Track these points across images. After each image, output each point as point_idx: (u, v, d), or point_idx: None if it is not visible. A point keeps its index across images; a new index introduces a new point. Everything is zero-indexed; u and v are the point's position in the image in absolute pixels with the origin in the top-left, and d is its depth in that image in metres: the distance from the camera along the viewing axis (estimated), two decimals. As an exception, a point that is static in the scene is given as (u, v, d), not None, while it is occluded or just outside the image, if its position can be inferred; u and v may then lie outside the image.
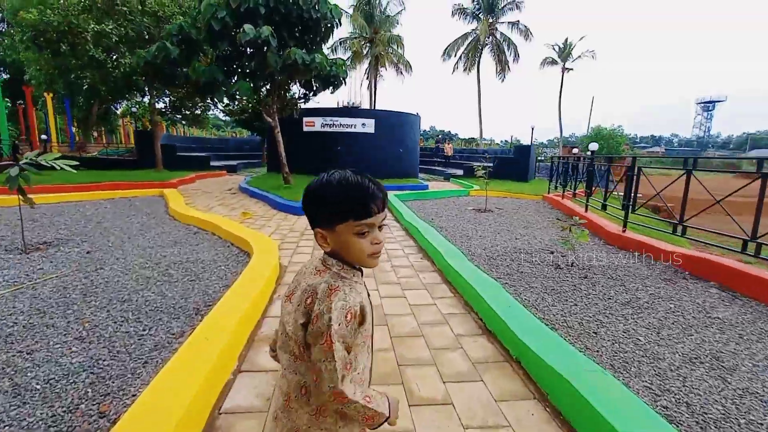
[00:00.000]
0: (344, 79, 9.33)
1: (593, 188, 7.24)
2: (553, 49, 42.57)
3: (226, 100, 9.64)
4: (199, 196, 9.05)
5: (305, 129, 13.69)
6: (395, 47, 32.58)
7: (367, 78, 34.74)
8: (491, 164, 8.58)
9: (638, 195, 5.58)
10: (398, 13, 32.15)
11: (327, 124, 13.53)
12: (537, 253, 4.92)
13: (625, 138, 43.36)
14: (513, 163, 15.01)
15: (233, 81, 8.20)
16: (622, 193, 6.11)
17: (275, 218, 6.78)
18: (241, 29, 7.13)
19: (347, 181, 0.85)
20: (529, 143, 16.77)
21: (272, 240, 4.52)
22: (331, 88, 9.48)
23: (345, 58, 33.33)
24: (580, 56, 41.55)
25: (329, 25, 8.37)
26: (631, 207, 5.25)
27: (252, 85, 8.29)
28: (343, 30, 35.27)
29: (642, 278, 4.08)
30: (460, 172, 17.66)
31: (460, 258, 4.01)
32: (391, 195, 9.10)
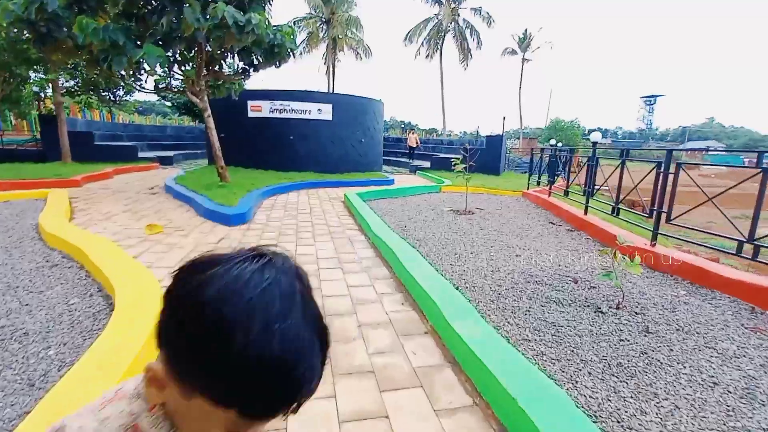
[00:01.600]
0: (292, 51, 7.52)
1: (593, 186, 6.06)
2: (513, 39, 42.42)
3: (153, 77, 7.49)
4: (103, 200, 6.98)
5: (251, 114, 11.69)
6: (354, 30, 30.59)
7: (325, 63, 32.55)
8: (472, 156, 7.21)
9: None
10: (357, -8, 30.11)
11: (277, 109, 11.61)
12: (556, 283, 3.57)
13: (582, 130, 44.33)
14: (484, 155, 13.84)
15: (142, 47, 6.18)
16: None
17: (197, 231, 5.00)
18: (145, -28, 5.19)
19: (270, 334, 0.37)
20: (499, 134, 15.74)
21: (156, 282, 2.81)
22: (276, 62, 7.64)
23: (300, 39, 30.95)
24: (539, 47, 41.72)
25: (270, -23, 6.54)
26: (666, 216, 4.02)
27: (167, 52, 6.30)
28: (298, 9, 32.69)
29: (720, 327, 2.84)
30: (426, 164, 16.35)
31: (468, 314, 2.53)
32: (353, 195, 7.52)
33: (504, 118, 15.22)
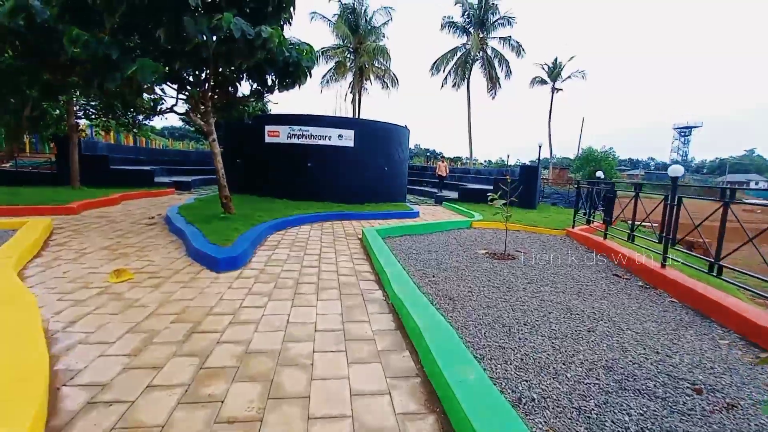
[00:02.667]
0: (309, 69, 6.76)
1: (673, 232, 4.77)
2: (543, 68, 41.64)
3: (150, 95, 6.89)
4: (90, 231, 6.21)
5: (268, 140, 11.03)
6: (381, 59, 30.56)
7: (351, 91, 32.57)
8: (512, 190, 6.10)
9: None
10: (384, 24, 30.30)
11: (295, 134, 10.91)
12: (668, 392, 2.33)
13: (616, 161, 42.32)
14: (518, 186, 12.63)
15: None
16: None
17: (173, 279, 4.02)
18: (139, -25, 4.52)
19: None
20: (534, 163, 14.54)
21: (43, 397, 1.77)
22: (292, 82, 6.88)
23: (328, 68, 31.19)
24: (569, 77, 40.65)
25: (287, -12, 5.84)
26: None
27: (167, 68, 5.59)
28: (327, 40, 33.13)
29: None
30: (454, 195, 15.23)
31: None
32: (371, 232, 6.47)
33: (540, 146, 14.12)
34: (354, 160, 11.38)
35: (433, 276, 4.74)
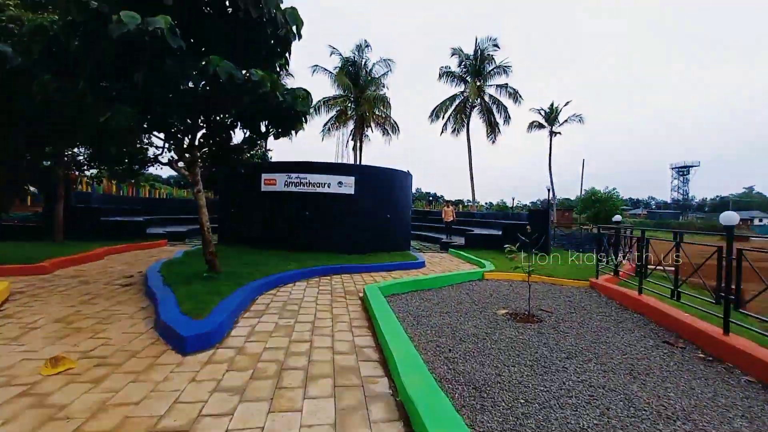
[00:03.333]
0: (305, 116, 6.31)
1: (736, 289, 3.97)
2: (540, 113, 42.38)
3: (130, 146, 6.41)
4: (53, 296, 5.44)
5: (264, 188, 10.52)
6: (381, 107, 31.09)
7: (352, 138, 32.89)
8: (533, 239, 5.40)
9: None
10: (384, 74, 31.15)
11: (292, 182, 10.40)
12: None
13: (622, 201, 41.87)
14: (540, 237, 11.90)
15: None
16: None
17: (126, 367, 3.20)
18: (117, 16, 4.12)
19: None
20: (543, 205, 13.90)
21: None
22: (285, 129, 6.41)
23: (330, 116, 31.70)
24: (567, 120, 41.21)
25: (280, 32, 5.48)
26: None
27: (149, 114, 5.11)
28: (328, 90, 33.84)
29: None
30: (460, 240, 14.47)
31: None
32: (374, 292, 5.67)
33: (548, 189, 13.57)
34: (355, 207, 10.79)
35: (449, 350, 3.90)
